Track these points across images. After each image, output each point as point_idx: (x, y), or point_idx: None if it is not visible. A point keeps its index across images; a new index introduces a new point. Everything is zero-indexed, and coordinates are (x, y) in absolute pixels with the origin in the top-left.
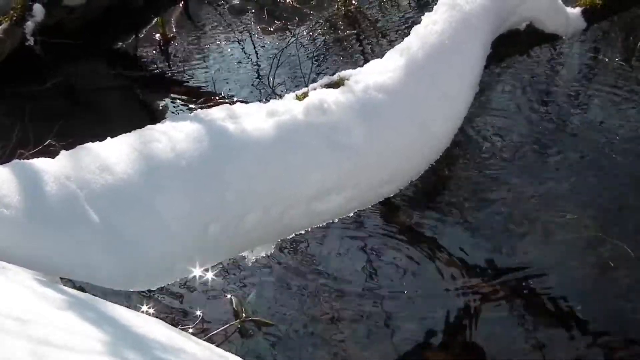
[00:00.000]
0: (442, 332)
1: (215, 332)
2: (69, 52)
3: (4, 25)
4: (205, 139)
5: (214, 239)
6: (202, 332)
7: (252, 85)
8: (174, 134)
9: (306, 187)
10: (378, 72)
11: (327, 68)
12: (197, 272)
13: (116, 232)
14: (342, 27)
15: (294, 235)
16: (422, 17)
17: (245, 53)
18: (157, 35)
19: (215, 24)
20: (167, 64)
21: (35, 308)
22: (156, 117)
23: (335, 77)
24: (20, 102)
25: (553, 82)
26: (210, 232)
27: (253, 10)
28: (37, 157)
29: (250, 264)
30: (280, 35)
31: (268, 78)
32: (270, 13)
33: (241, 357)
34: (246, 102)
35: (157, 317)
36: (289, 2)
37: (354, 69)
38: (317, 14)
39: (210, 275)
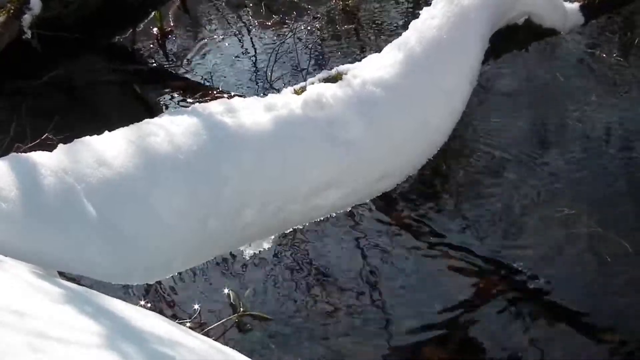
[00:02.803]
0: (439, 328)
1: (213, 326)
2: (65, 46)
3: (1, 19)
4: (203, 133)
5: (211, 233)
6: (200, 327)
7: (250, 79)
8: (172, 127)
9: (304, 181)
10: (376, 67)
11: (325, 62)
12: None
13: (114, 226)
14: (340, 22)
15: (292, 229)
16: (421, 12)
17: (243, 47)
18: (155, 30)
19: (213, 18)
20: (164, 58)
21: (33, 301)
22: (154, 111)
23: (334, 71)
24: (17, 96)
25: (551, 78)
26: (208, 227)
27: (251, 5)
28: (35, 151)
29: (248, 259)
30: (278, 30)
31: (266, 72)
32: (268, 7)
33: (239, 351)
34: (244, 96)
35: (155, 311)
36: None
37: (352, 63)
38: (315, 9)
39: (207, 270)
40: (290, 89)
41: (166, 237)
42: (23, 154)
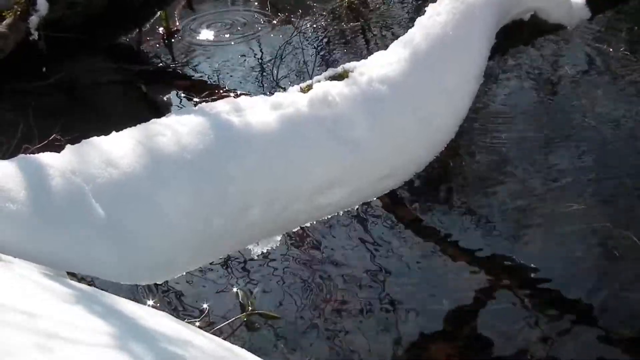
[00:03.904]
0: (447, 324)
1: (221, 325)
2: (71, 47)
3: (9, 20)
4: (210, 133)
5: (218, 233)
6: (208, 326)
7: (256, 78)
8: (179, 127)
9: (310, 180)
10: (382, 64)
11: (331, 60)
12: None
13: (121, 227)
14: (345, 19)
15: (298, 228)
16: (426, 9)
17: (249, 46)
18: (161, 29)
19: (219, 17)
20: (170, 57)
21: (42, 302)
22: (160, 110)
23: (340, 69)
24: (24, 97)
25: (557, 73)
26: (214, 226)
27: (256, 3)
28: (43, 152)
29: (255, 258)
30: (284, 28)
31: (272, 71)
32: (273, 5)
33: (248, 350)
34: (250, 95)
35: (163, 311)
36: None
37: (358, 61)
38: (320, 6)
39: (216, 269)
40: (296, 87)
41: (172, 236)
42: (31, 155)
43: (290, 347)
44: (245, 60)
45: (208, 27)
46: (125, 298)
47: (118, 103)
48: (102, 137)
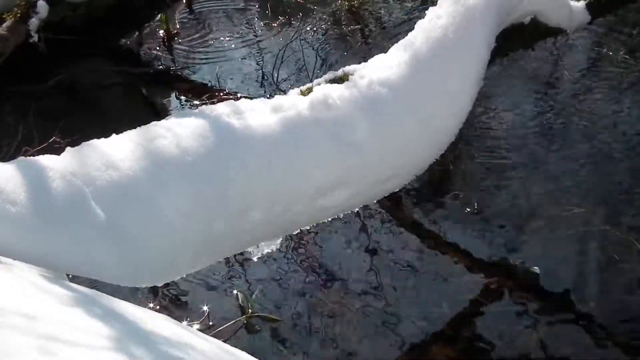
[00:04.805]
0: (447, 326)
1: (221, 328)
2: (72, 50)
3: (8, 22)
4: (210, 135)
5: (219, 235)
6: (208, 328)
7: (257, 81)
8: (179, 130)
9: (310, 182)
10: (382, 67)
11: (331, 63)
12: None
13: (121, 229)
14: (346, 22)
15: (299, 230)
16: (427, 12)
17: (249, 49)
18: (161, 32)
19: (219, 20)
20: (171, 60)
21: (42, 304)
22: (161, 113)
23: (340, 72)
24: (24, 99)
25: (557, 76)
26: (215, 228)
27: (256, 6)
28: (43, 154)
29: (255, 260)
30: (284, 31)
31: (272, 74)
32: (273, 9)
33: (248, 353)
34: (250, 98)
35: (163, 313)
36: None
37: (359, 63)
38: (320, 9)
39: (216, 271)
40: (296, 90)
41: (173, 238)
42: (31, 157)
43: (290, 349)
44: (245, 63)
45: (208, 29)
46: (125, 301)
47: (118, 105)
48: (102, 139)
